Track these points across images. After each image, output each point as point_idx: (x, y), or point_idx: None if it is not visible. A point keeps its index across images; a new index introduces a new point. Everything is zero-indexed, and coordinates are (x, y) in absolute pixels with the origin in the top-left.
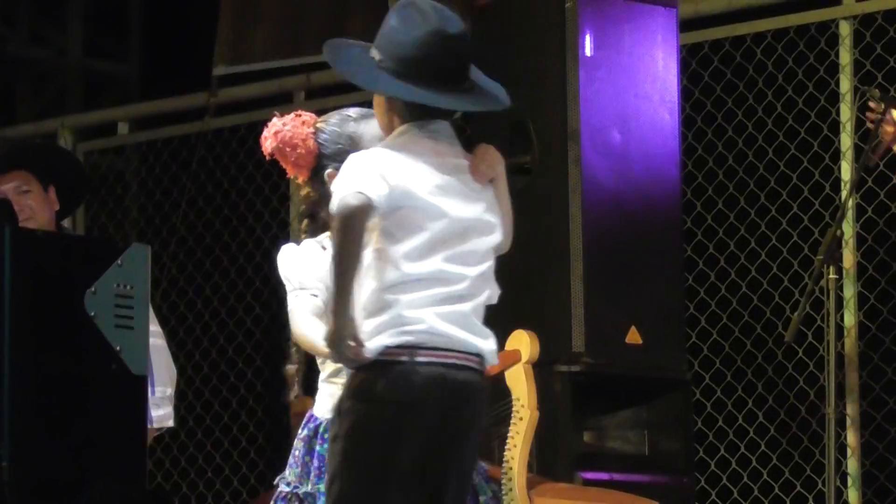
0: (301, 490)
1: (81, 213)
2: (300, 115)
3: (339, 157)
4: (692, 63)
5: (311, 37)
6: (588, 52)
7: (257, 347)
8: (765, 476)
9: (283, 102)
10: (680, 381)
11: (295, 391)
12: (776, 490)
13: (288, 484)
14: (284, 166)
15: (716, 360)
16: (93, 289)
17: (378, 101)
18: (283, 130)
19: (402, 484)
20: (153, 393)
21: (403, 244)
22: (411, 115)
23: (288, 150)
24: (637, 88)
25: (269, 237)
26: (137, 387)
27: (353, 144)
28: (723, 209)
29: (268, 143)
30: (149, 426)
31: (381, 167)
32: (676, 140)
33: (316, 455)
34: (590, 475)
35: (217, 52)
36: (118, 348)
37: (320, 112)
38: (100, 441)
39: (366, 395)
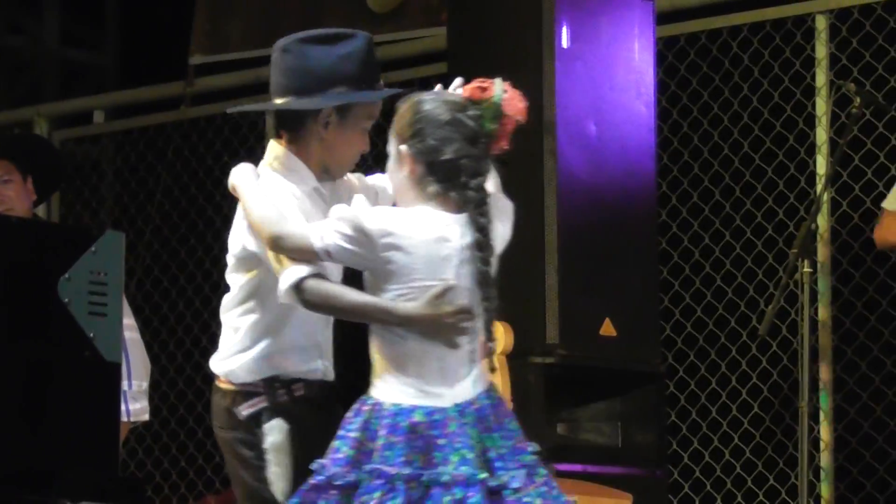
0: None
1: (56, 201)
2: None
3: None
4: (668, 56)
5: (288, 27)
6: (565, 43)
7: None
8: (738, 469)
9: (260, 92)
10: (654, 374)
11: None
12: (749, 483)
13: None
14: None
15: (690, 352)
16: (67, 275)
17: None
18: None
19: None
20: (130, 386)
21: None
22: None
23: None
24: (613, 80)
25: None
26: (110, 374)
27: None
28: (698, 202)
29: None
30: (125, 419)
31: None
32: (652, 132)
33: None
34: (563, 467)
35: (193, 42)
36: (91, 335)
37: None
38: (72, 428)
39: None
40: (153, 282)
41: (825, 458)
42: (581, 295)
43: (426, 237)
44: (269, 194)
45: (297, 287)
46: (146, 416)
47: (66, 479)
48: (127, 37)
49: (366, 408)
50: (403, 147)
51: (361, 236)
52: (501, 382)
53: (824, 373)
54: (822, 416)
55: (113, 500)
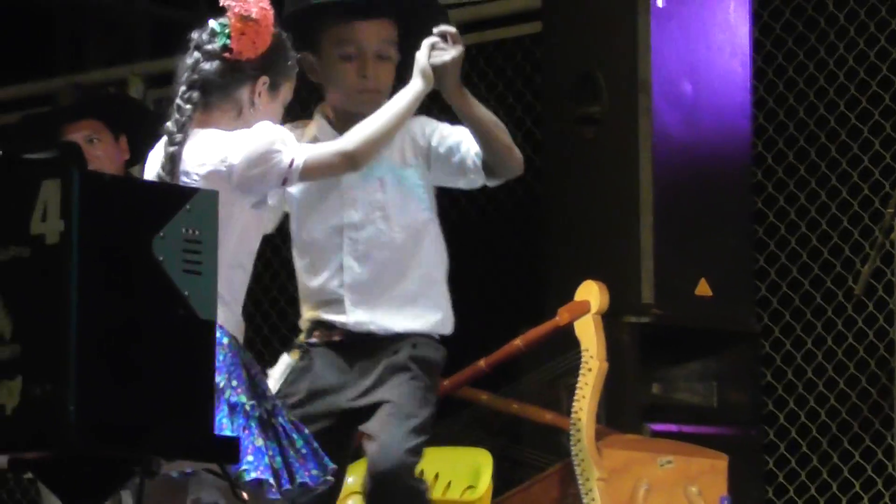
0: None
1: None
2: None
3: None
4: (764, 15)
5: None
6: (660, 2)
7: None
8: (833, 429)
9: None
10: (749, 334)
11: None
12: (845, 444)
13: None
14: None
15: (785, 312)
16: (161, 233)
17: None
18: None
19: None
20: None
21: None
22: None
23: None
24: (709, 39)
25: None
26: (205, 332)
27: None
28: (793, 161)
29: None
30: None
31: None
32: (748, 92)
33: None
34: (658, 427)
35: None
36: (186, 293)
37: None
38: (166, 385)
39: None
40: None
41: None
42: (676, 255)
43: (156, 157)
44: None
45: None
46: None
47: (160, 436)
48: None
49: None
50: None
51: None
52: (597, 342)
53: None
54: None
55: (207, 457)
